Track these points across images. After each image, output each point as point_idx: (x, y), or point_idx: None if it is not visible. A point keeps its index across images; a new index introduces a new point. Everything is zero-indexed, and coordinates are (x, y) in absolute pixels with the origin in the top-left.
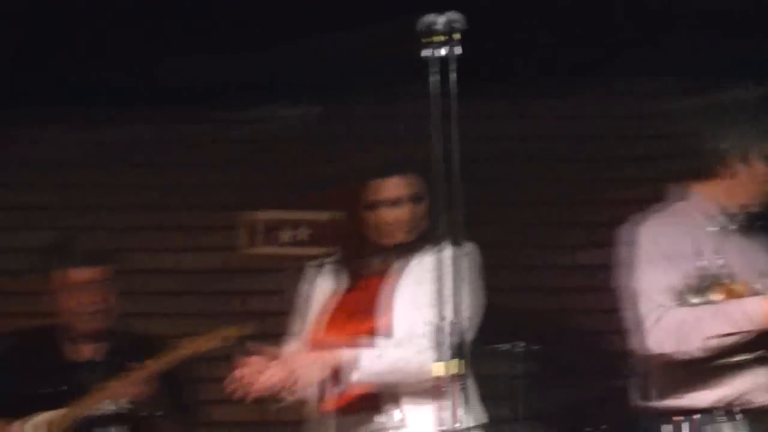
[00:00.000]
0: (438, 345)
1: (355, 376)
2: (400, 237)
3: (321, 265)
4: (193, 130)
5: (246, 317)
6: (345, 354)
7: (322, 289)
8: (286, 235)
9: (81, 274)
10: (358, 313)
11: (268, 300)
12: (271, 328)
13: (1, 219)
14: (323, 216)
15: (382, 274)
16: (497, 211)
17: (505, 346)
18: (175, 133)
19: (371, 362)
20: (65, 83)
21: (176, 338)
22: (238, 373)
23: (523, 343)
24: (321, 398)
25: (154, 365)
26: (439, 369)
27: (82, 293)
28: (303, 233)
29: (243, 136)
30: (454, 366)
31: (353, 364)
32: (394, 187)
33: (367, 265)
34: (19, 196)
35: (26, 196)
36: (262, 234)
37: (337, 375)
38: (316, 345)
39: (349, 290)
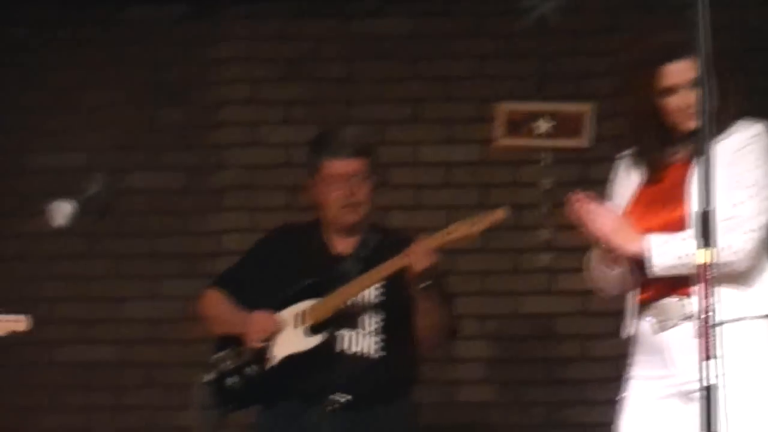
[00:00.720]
0: (710, 231)
1: (656, 263)
2: (693, 123)
3: (623, 158)
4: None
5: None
6: (654, 238)
7: (624, 182)
8: (535, 127)
9: (344, 166)
10: (659, 204)
11: (508, 194)
12: (524, 220)
13: (263, 113)
14: (571, 108)
15: (681, 162)
16: None
17: None
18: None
19: (674, 248)
20: None
21: (433, 231)
22: (576, 208)
23: None
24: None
25: (438, 239)
26: (705, 255)
27: (344, 185)
28: (549, 125)
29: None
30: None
31: (657, 249)
32: (688, 70)
33: (665, 155)
34: (281, 90)
35: (287, 89)
36: (515, 126)
37: (640, 260)
38: None
39: (648, 182)
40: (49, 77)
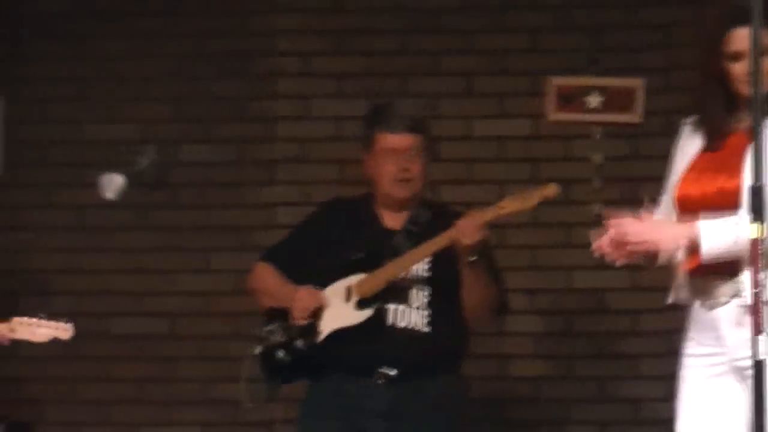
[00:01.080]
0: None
1: (707, 252)
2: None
3: (688, 124)
4: None
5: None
6: (703, 225)
7: (686, 148)
8: (586, 101)
9: (398, 140)
10: (716, 171)
11: (559, 168)
12: (575, 194)
13: (315, 86)
14: (622, 82)
15: (744, 131)
16: None
17: None
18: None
19: (725, 234)
20: None
21: (485, 205)
22: (609, 236)
23: None
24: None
25: (487, 214)
26: (756, 230)
27: (397, 160)
28: (600, 99)
29: None
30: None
31: (707, 237)
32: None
33: (728, 122)
34: (333, 63)
35: (339, 62)
36: (566, 100)
37: (692, 246)
38: (677, 205)
39: (709, 148)
40: (104, 48)
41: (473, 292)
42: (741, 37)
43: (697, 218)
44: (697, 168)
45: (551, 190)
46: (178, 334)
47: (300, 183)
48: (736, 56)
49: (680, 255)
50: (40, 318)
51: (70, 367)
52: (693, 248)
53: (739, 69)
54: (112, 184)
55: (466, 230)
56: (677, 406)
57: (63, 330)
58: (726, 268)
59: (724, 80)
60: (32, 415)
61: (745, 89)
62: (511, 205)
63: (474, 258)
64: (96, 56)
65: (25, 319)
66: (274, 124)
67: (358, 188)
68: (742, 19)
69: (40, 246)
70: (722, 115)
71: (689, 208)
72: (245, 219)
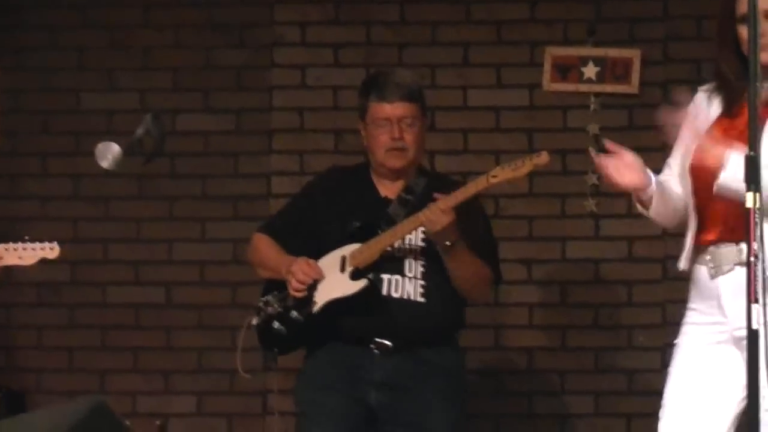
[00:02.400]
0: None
1: (725, 177)
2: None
3: (704, 90)
4: None
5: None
6: (734, 155)
7: (702, 114)
8: (583, 72)
9: (390, 109)
10: (732, 138)
11: (556, 138)
12: (572, 165)
13: (313, 56)
14: (619, 53)
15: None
16: None
17: None
18: None
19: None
20: None
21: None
22: (602, 167)
23: None
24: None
25: (462, 193)
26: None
27: (390, 129)
28: (596, 69)
29: None
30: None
31: (734, 165)
32: None
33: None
34: (331, 33)
35: (337, 31)
36: (563, 70)
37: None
38: (691, 173)
39: (726, 114)
40: (104, 17)
41: (456, 273)
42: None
43: (711, 186)
44: (713, 136)
45: (543, 158)
46: (175, 303)
47: (297, 152)
48: (744, 19)
49: (691, 224)
50: (25, 241)
51: (66, 336)
52: (701, 200)
53: (746, 32)
54: (109, 153)
55: (432, 217)
56: (670, 370)
57: (49, 249)
58: (734, 236)
59: (740, 46)
60: (28, 384)
61: (764, 57)
62: (502, 174)
63: (448, 243)
64: (95, 26)
65: (10, 244)
66: (272, 93)
67: (354, 158)
68: None
69: (38, 214)
70: (739, 83)
71: (704, 175)
72: (242, 188)
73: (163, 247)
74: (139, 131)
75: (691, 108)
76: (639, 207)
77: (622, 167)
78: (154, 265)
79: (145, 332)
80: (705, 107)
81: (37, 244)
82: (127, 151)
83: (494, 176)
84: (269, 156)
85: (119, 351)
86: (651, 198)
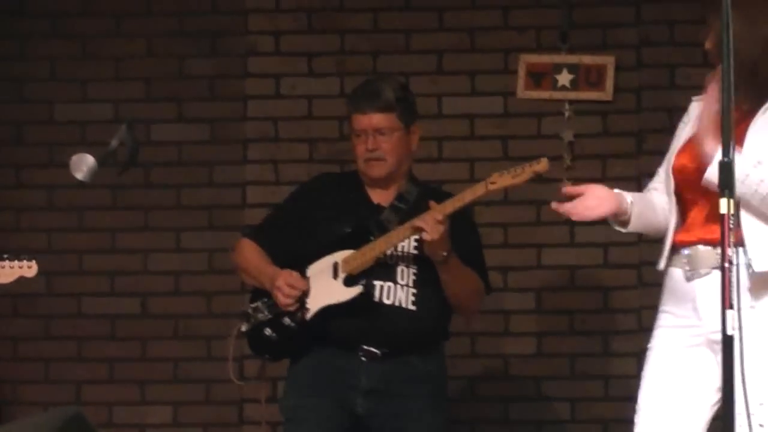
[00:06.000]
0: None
1: (712, 172)
2: None
3: (693, 101)
4: None
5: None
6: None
7: (690, 125)
8: (557, 79)
9: (365, 120)
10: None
11: (530, 146)
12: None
13: (287, 65)
14: (593, 59)
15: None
16: None
17: None
18: None
19: (741, 168)
20: None
21: (456, 183)
22: (570, 214)
23: None
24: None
25: (459, 201)
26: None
27: (366, 140)
28: (570, 76)
29: None
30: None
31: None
32: None
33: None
34: (305, 42)
35: (311, 40)
36: (537, 77)
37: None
38: (674, 175)
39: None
40: (76, 27)
41: (450, 285)
42: None
43: (694, 189)
44: (695, 140)
45: (543, 165)
46: (150, 313)
47: (272, 162)
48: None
49: (671, 225)
50: (4, 259)
51: (42, 346)
52: (684, 200)
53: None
54: (84, 165)
55: (426, 226)
56: (643, 373)
57: (27, 268)
58: (711, 238)
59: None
60: (3, 395)
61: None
62: (501, 181)
63: (444, 254)
64: (69, 35)
65: None
66: (246, 102)
67: (329, 167)
68: None
69: (12, 226)
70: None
71: (686, 178)
72: (217, 198)
73: (138, 257)
74: (114, 142)
75: (685, 117)
76: (615, 227)
77: (591, 202)
78: (129, 276)
79: (120, 343)
80: (695, 116)
81: (15, 263)
82: (102, 162)
83: (493, 183)
84: (244, 165)
85: (95, 362)
86: (629, 218)
